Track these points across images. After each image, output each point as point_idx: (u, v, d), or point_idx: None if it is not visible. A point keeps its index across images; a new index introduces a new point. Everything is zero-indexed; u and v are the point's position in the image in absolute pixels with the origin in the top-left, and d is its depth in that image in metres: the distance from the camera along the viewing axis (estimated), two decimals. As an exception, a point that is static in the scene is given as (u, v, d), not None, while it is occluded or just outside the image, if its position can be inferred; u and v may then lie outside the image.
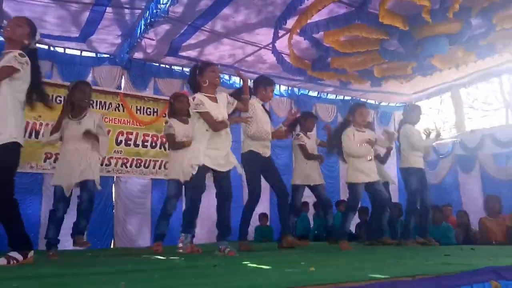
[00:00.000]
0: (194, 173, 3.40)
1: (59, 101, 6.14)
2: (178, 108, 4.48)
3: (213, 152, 3.44)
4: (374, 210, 5.25)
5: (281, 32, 5.77)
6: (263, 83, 4.52)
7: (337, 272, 1.99)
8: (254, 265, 2.49)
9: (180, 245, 3.39)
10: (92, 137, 3.97)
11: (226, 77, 7.78)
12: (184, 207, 4.30)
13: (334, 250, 4.14)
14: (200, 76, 3.55)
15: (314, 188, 5.18)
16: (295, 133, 5.28)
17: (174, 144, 4.39)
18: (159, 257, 3.57)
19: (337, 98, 9.16)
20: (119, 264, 2.75)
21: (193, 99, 3.48)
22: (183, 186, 4.37)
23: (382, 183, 5.01)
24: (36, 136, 5.98)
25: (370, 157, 4.55)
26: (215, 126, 3.43)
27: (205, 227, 7.24)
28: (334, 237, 5.14)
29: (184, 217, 3.71)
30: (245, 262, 2.64)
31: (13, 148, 2.82)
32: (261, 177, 4.40)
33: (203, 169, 3.42)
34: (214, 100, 3.53)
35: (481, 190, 8.18)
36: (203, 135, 3.46)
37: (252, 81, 4.85)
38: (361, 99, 9.35)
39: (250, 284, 1.58)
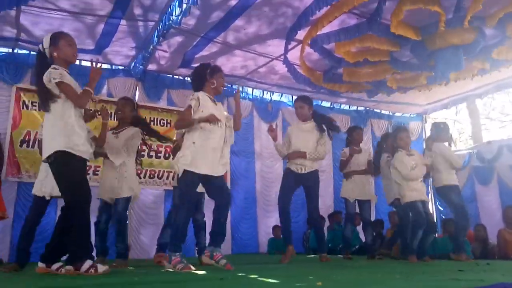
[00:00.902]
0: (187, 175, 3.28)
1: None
2: None
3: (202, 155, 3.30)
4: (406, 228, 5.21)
5: (292, 44, 5.79)
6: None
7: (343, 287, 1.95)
8: (262, 278, 2.47)
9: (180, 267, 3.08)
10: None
11: (239, 88, 7.83)
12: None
13: (349, 264, 4.08)
14: (210, 76, 3.47)
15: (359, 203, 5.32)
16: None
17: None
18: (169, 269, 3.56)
19: (350, 108, 9.10)
20: (127, 276, 2.75)
21: (192, 95, 3.40)
22: None
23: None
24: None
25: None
26: (181, 121, 3.43)
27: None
28: (371, 253, 5.25)
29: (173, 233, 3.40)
30: (253, 276, 2.62)
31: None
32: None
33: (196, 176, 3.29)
34: (214, 102, 3.48)
35: (499, 202, 7.99)
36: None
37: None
38: (375, 110, 9.28)
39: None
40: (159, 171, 6.92)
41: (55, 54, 2.96)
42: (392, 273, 2.74)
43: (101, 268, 2.73)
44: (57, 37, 3.00)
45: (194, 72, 3.69)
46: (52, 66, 2.92)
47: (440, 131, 5.22)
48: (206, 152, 3.27)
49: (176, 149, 4.12)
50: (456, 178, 5.11)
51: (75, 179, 2.85)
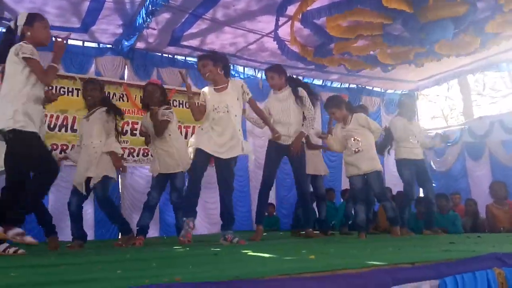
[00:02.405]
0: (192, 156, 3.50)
1: (62, 92, 6.16)
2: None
3: (213, 138, 3.52)
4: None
5: (283, 19, 5.69)
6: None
7: (336, 260, 1.95)
8: (255, 253, 2.47)
9: (182, 237, 3.39)
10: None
11: (230, 66, 7.73)
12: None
13: (341, 240, 4.12)
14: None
15: (314, 179, 5.28)
16: None
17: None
18: (163, 247, 3.58)
19: (342, 86, 9.05)
20: (120, 253, 2.74)
21: None
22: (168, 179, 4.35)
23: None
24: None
25: None
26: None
27: (214, 218, 7.28)
28: (325, 230, 5.36)
29: (183, 201, 3.75)
30: (246, 251, 2.62)
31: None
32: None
33: (200, 153, 3.50)
34: (221, 90, 3.65)
35: (491, 177, 8.07)
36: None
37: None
38: (366, 87, 9.24)
39: (246, 272, 1.54)
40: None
41: (28, 33, 2.97)
42: (384, 247, 2.76)
43: (28, 239, 2.74)
44: (33, 18, 3.05)
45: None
46: (23, 41, 2.90)
47: (401, 106, 5.20)
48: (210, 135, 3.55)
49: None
50: (416, 152, 4.97)
51: None
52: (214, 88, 3.68)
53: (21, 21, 2.98)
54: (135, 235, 4.22)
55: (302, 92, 4.34)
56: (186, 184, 3.87)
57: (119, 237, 4.14)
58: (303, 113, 4.37)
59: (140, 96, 6.85)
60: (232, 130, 3.55)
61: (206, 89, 3.75)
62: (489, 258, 1.88)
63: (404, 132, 4.95)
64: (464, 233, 5.58)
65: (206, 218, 7.17)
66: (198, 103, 3.71)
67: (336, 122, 4.67)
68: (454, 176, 8.83)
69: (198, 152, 3.52)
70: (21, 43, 2.88)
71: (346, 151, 4.46)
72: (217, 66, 3.62)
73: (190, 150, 3.63)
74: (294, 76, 5.02)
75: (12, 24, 3.03)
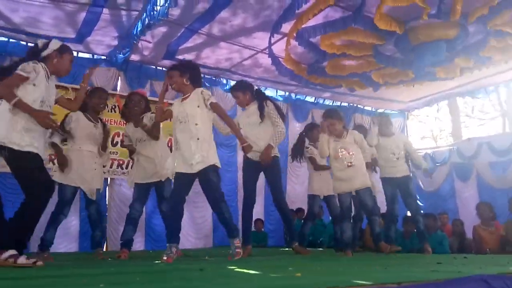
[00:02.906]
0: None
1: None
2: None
3: (182, 154, 3.43)
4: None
5: (278, 36, 5.77)
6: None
7: (322, 278, 1.95)
8: (241, 270, 2.45)
9: (164, 257, 3.22)
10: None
11: (224, 81, 7.79)
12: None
13: (329, 257, 4.11)
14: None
15: (327, 199, 5.19)
16: (305, 145, 5.28)
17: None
18: (148, 261, 3.54)
19: (334, 103, 9.14)
20: (105, 267, 2.71)
21: None
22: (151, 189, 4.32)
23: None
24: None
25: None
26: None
27: (200, 233, 7.23)
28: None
29: (167, 225, 3.61)
30: (232, 267, 2.61)
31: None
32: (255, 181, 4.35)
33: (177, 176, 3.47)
34: (184, 99, 3.55)
35: (478, 198, 8.15)
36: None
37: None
38: (358, 106, 9.35)
39: (231, 288, 1.54)
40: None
41: (55, 60, 3.04)
42: (371, 265, 2.77)
43: (22, 260, 2.61)
44: (66, 49, 3.13)
45: None
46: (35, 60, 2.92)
47: (377, 125, 5.27)
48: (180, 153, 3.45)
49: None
50: (397, 170, 5.03)
51: None
52: (181, 99, 3.59)
53: (54, 46, 3.04)
54: (120, 248, 4.19)
55: (268, 106, 4.23)
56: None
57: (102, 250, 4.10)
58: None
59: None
60: (195, 140, 3.38)
61: (175, 101, 3.73)
62: (475, 279, 1.89)
63: (383, 151, 5.04)
64: (450, 253, 5.60)
65: (193, 232, 7.12)
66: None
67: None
68: (443, 196, 8.89)
69: (175, 176, 3.49)
70: (28, 62, 2.89)
71: (337, 166, 4.33)
72: (183, 76, 3.51)
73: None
74: (261, 90, 4.93)
75: (40, 43, 3.06)
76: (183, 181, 3.42)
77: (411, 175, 5.18)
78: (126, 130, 4.45)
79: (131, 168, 4.90)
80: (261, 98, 4.32)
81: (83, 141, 4.08)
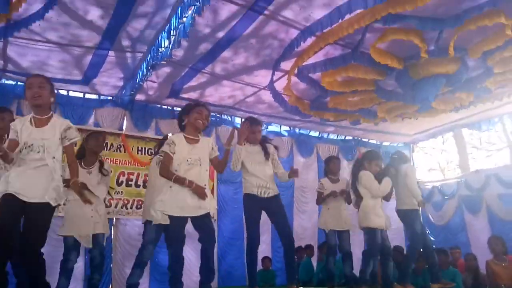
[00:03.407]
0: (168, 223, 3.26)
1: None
2: None
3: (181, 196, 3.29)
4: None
5: (279, 74, 5.86)
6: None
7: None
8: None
9: None
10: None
11: (228, 118, 7.87)
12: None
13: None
14: (186, 114, 3.51)
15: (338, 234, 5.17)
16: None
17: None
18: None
19: (338, 138, 9.16)
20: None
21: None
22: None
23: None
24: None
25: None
26: (163, 170, 3.32)
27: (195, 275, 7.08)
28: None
29: (170, 272, 3.41)
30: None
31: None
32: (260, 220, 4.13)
33: (176, 220, 3.28)
34: (194, 142, 3.45)
35: (490, 231, 7.96)
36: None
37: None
38: (362, 139, 9.35)
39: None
40: (146, 201, 6.82)
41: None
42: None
43: None
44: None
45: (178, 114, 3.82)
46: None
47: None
48: (183, 195, 3.28)
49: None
50: (400, 203, 5.03)
51: None
52: (187, 138, 3.47)
53: None
54: None
55: (272, 149, 4.24)
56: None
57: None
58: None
59: (138, 147, 6.96)
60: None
61: (176, 139, 3.47)
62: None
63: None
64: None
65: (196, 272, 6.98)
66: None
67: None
68: (453, 230, 8.70)
69: (176, 218, 3.30)
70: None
71: (379, 202, 4.61)
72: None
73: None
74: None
75: None
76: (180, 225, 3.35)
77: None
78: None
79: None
80: (264, 139, 4.31)
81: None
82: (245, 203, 4.10)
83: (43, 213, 2.80)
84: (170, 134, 4.71)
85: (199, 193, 3.27)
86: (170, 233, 3.43)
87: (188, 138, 3.45)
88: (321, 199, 5.26)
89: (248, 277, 4.21)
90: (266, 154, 4.15)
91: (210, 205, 3.38)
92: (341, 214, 5.15)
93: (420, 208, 4.99)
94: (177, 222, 3.27)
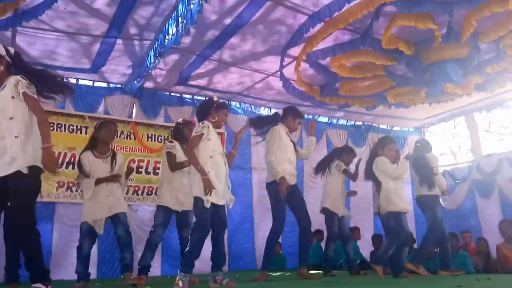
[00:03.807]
0: (208, 206, 3.39)
1: (71, 130, 6.32)
2: (186, 135, 4.42)
3: (217, 185, 3.48)
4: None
5: (288, 60, 5.82)
6: (293, 114, 4.55)
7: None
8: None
9: (180, 284, 3.28)
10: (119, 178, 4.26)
11: (237, 104, 7.86)
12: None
13: (345, 281, 4.02)
14: (215, 111, 3.70)
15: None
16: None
17: (176, 164, 4.30)
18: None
19: (348, 123, 9.09)
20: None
21: (202, 123, 3.58)
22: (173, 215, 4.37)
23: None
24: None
25: None
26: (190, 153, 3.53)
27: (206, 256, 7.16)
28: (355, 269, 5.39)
29: (185, 256, 3.46)
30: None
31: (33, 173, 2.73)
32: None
33: (212, 207, 3.45)
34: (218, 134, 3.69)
35: (501, 215, 7.90)
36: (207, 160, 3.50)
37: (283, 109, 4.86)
38: (373, 124, 9.26)
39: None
40: (157, 187, 6.88)
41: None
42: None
43: None
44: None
45: (201, 104, 4.09)
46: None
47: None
48: (220, 183, 3.51)
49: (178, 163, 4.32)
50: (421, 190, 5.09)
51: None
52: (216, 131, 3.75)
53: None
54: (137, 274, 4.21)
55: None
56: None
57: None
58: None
59: (148, 134, 7.00)
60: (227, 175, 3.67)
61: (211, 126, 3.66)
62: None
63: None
64: (476, 273, 5.42)
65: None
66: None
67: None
68: (464, 214, 8.65)
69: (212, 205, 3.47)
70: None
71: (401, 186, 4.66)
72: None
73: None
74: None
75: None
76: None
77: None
78: (177, 149, 4.41)
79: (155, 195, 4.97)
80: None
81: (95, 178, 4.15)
82: (276, 190, 4.22)
83: (14, 184, 2.68)
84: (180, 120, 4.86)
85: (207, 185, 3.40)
86: (213, 220, 3.51)
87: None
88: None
89: (264, 260, 4.37)
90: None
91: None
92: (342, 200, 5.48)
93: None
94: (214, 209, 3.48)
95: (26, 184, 2.69)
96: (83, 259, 4.07)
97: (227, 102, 7.66)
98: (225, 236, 7.28)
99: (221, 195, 3.52)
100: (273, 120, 4.56)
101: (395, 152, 4.67)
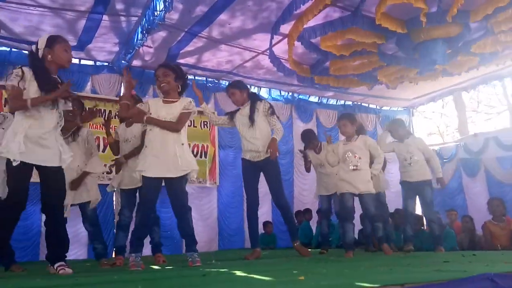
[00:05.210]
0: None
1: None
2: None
3: (153, 159, 3.18)
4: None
5: (278, 38, 5.74)
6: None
7: (325, 281, 1.92)
8: (245, 274, 2.43)
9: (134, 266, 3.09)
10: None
11: (227, 83, 7.76)
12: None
13: (336, 258, 4.07)
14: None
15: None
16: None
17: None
18: (154, 267, 3.53)
19: (338, 103, 9.09)
20: (108, 274, 2.71)
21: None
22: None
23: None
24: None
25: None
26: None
27: (205, 236, 7.20)
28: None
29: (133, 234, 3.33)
30: (235, 271, 2.58)
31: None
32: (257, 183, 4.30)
33: (147, 180, 3.19)
34: (168, 102, 3.33)
35: (487, 193, 8.05)
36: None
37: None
38: (362, 104, 9.28)
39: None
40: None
41: (49, 56, 2.90)
42: (376, 266, 2.73)
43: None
44: (54, 41, 2.93)
45: None
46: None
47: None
48: (155, 155, 3.20)
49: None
50: (402, 174, 5.04)
51: None
52: (162, 101, 3.37)
53: (41, 44, 2.90)
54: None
55: (263, 105, 4.19)
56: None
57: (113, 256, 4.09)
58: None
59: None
60: (174, 148, 3.21)
61: (151, 101, 3.46)
62: (481, 278, 1.85)
63: (398, 156, 5.03)
64: (461, 250, 5.52)
65: (198, 236, 7.12)
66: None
67: (335, 141, 4.72)
68: (451, 193, 8.79)
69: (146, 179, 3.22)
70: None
71: (343, 167, 4.29)
72: (177, 82, 3.39)
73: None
74: (256, 92, 4.98)
75: (33, 47, 2.96)
76: (152, 186, 3.25)
77: (429, 180, 5.05)
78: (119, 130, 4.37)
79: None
80: (254, 100, 4.25)
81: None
82: (242, 167, 4.31)
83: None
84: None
85: None
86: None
87: (165, 100, 3.40)
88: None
89: (250, 239, 4.37)
90: (251, 118, 4.13)
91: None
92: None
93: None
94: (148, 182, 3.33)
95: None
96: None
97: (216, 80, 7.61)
98: (216, 216, 7.45)
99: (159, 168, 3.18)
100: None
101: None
